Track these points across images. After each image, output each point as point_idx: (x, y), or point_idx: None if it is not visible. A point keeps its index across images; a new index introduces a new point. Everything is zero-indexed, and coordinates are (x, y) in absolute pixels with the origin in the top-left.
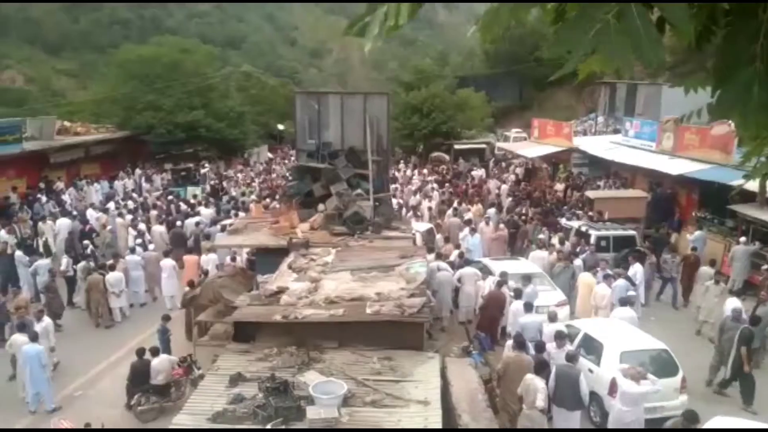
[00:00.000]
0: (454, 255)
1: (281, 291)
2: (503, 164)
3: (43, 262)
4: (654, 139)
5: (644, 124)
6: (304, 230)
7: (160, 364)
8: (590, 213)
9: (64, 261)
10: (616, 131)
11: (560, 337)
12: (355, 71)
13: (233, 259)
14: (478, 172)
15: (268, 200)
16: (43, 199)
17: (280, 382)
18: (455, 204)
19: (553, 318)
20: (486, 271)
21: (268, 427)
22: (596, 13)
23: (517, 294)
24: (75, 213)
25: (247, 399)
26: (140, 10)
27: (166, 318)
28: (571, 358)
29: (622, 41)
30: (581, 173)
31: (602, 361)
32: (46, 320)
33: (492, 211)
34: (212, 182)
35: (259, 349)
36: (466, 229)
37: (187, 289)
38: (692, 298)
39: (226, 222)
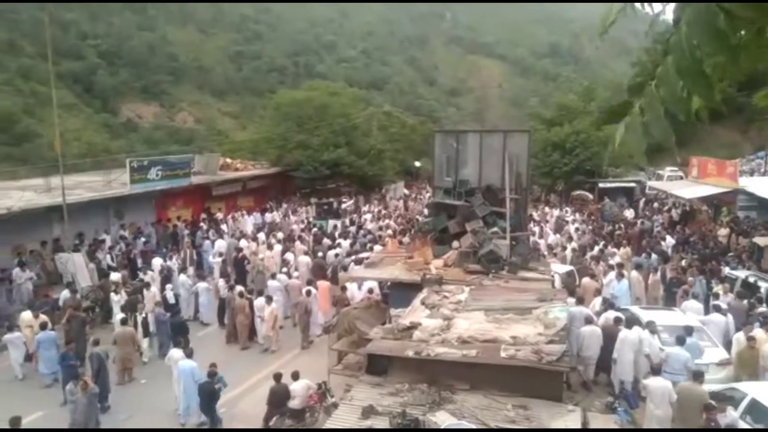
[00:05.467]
0: (597, 302)
1: (414, 326)
2: (655, 205)
3: (203, 285)
4: None
5: None
6: (438, 266)
7: (298, 389)
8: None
9: (221, 283)
10: None
11: (721, 400)
12: (494, 108)
13: (370, 291)
14: (627, 213)
15: (402, 235)
16: (204, 227)
17: (411, 419)
18: (600, 246)
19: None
20: (634, 321)
21: None
22: None
23: (680, 341)
24: (230, 241)
25: None
26: (294, 57)
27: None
28: None
29: None
30: (748, 217)
31: None
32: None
33: (643, 255)
34: (350, 216)
35: (391, 383)
36: (612, 274)
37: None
38: None
39: (363, 255)
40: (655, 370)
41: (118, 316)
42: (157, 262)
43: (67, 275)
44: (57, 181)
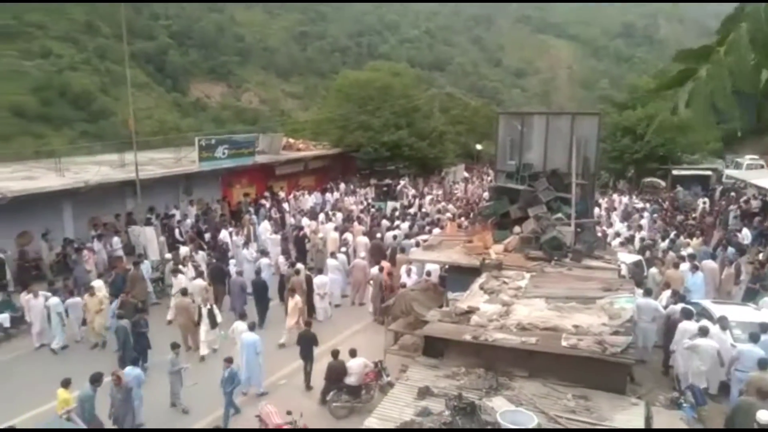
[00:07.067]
0: (666, 294)
1: (471, 311)
2: (733, 194)
3: (265, 261)
4: None
5: None
6: (497, 252)
7: (355, 366)
8: None
9: (281, 260)
10: None
11: None
12: (561, 90)
13: (428, 274)
14: (701, 202)
15: (462, 219)
16: (267, 204)
17: (467, 403)
18: (672, 236)
19: None
20: (705, 315)
21: None
22: None
23: (753, 338)
24: (293, 220)
25: (434, 414)
26: (358, 38)
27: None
28: None
29: None
30: None
31: None
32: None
33: (719, 248)
34: (409, 198)
35: (447, 366)
36: (685, 266)
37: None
38: None
39: (421, 237)
40: (703, 332)
41: (184, 283)
42: (224, 233)
43: (139, 247)
44: (130, 157)
